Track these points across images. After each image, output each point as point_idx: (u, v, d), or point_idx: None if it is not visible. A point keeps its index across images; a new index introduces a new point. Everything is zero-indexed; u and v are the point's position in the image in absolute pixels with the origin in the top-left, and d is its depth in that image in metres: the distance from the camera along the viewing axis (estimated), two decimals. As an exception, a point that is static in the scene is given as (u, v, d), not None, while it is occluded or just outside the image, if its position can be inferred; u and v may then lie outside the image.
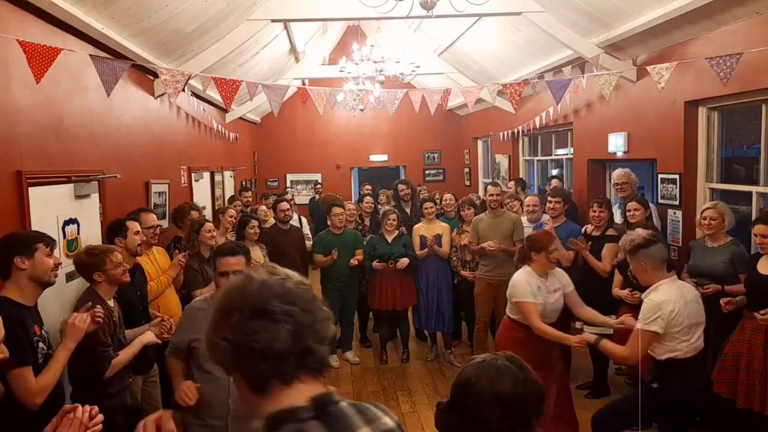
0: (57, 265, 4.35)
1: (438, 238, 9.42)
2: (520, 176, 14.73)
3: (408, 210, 11.30)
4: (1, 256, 4.17)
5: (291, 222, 9.81)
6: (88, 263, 5.03)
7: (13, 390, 3.82)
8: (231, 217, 8.78)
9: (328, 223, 10.10)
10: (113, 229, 6.03)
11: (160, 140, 9.49)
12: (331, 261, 9.31)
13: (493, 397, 2.55)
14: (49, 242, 4.35)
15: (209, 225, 7.66)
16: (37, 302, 4.34)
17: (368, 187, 13.70)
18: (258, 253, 8.38)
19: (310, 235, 11.25)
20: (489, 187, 9.27)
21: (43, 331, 4.20)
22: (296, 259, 9.30)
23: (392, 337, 10.29)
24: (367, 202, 11.36)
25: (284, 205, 9.57)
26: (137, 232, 6.05)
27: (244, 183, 16.03)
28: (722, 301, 6.09)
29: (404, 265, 9.16)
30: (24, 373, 3.84)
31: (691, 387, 5.22)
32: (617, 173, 8.45)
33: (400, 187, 11.75)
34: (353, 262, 9.30)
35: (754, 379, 5.82)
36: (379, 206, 11.99)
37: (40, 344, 4.06)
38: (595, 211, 8.04)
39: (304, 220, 11.86)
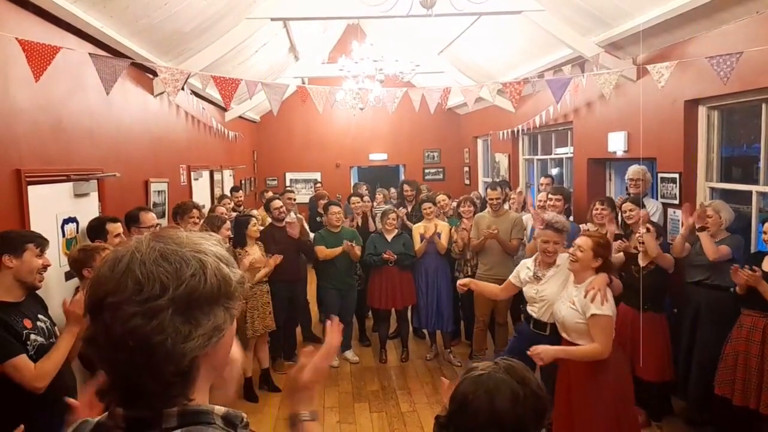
0: (45, 267, 4.37)
1: (438, 235, 9.44)
2: (520, 175, 14.84)
3: (410, 209, 11.30)
4: None
5: (287, 219, 9.77)
6: (78, 259, 5.09)
7: (14, 380, 3.91)
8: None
9: (318, 220, 10.14)
10: (93, 230, 5.94)
11: (160, 139, 9.50)
12: (336, 253, 9.29)
13: (490, 417, 2.50)
14: (41, 243, 4.36)
15: (228, 224, 7.68)
16: (32, 295, 4.40)
17: (365, 187, 13.70)
18: (257, 252, 8.39)
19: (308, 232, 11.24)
20: (489, 191, 9.29)
21: (38, 324, 4.26)
22: (294, 257, 9.30)
23: (396, 336, 10.34)
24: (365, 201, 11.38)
25: (277, 203, 9.51)
26: (117, 235, 5.89)
27: (243, 181, 16.05)
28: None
29: (391, 258, 9.22)
30: (15, 364, 3.92)
31: None
32: (632, 169, 8.38)
33: (406, 187, 11.82)
34: (347, 246, 9.21)
35: (751, 376, 5.87)
36: (375, 205, 12.02)
37: (32, 336, 4.11)
38: (597, 209, 8.01)
39: (302, 218, 11.77)
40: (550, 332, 5.99)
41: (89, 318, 1.50)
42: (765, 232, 5.97)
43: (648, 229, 6.83)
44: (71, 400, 2.61)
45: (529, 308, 6.31)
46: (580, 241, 5.64)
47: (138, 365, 1.43)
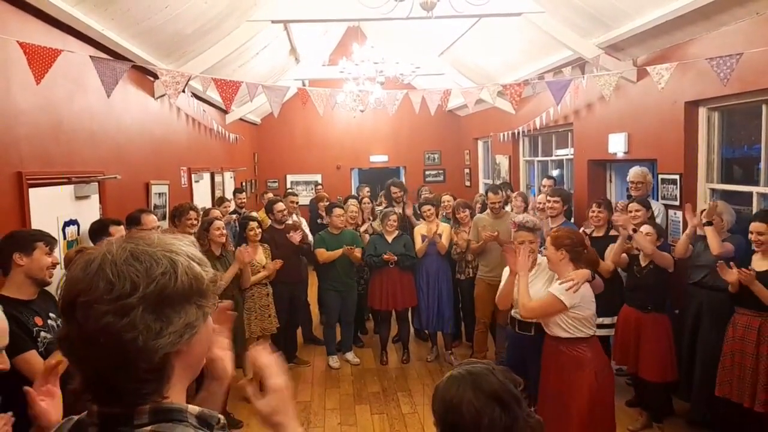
0: (54, 265, 4.43)
1: (438, 236, 9.41)
2: (521, 177, 14.86)
3: (399, 211, 11.26)
4: (1, 251, 4.28)
5: (287, 222, 9.75)
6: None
7: (24, 375, 3.89)
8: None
9: (318, 222, 10.14)
10: (96, 232, 5.92)
11: (160, 141, 9.51)
12: (336, 255, 9.30)
13: (487, 399, 2.55)
14: (50, 242, 4.44)
15: (219, 223, 7.66)
16: (45, 293, 4.46)
17: (367, 189, 13.72)
18: (260, 255, 8.40)
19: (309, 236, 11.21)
20: (490, 194, 9.29)
21: (49, 322, 4.30)
22: (295, 259, 9.33)
23: (398, 340, 10.34)
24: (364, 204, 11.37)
25: (280, 206, 9.52)
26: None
27: (244, 183, 16.04)
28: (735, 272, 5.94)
29: (391, 259, 9.23)
30: (25, 358, 3.95)
31: None
32: (634, 171, 8.39)
33: (393, 189, 11.75)
34: (348, 250, 9.23)
35: (745, 374, 5.91)
36: (378, 208, 11.99)
37: (42, 333, 4.16)
38: (593, 212, 7.99)
39: (303, 221, 11.73)
40: (535, 332, 6.10)
41: (63, 318, 1.55)
42: (752, 232, 6.02)
43: (635, 230, 6.86)
44: (28, 389, 2.65)
45: (513, 311, 6.38)
46: (546, 242, 5.87)
47: (110, 362, 1.47)
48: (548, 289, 5.58)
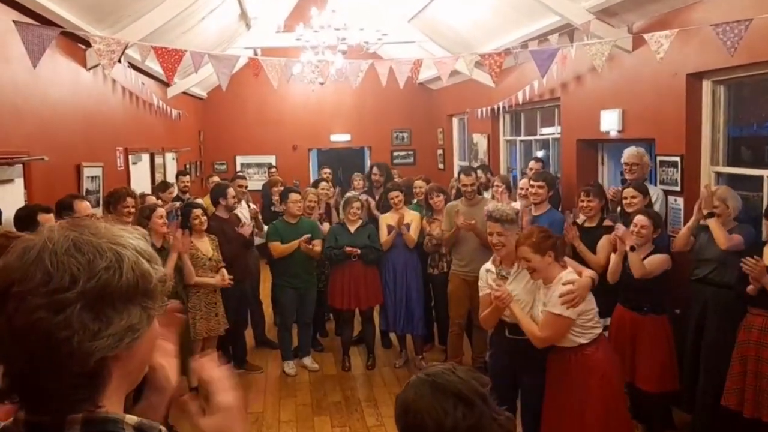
0: None
1: (406, 227, 9.41)
2: (501, 159, 14.87)
3: (377, 196, 11.26)
4: None
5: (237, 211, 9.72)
6: (2, 245, 5.01)
7: None
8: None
9: (272, 209, 10.13)
10: (22, 220, 5.86)
11: (93, 118, 9.40)
12: (293, 248, 9.22)
13: (447, 398, 2.56)
14: None
15: (161, 210, 7.60)
16: None
17: (327, 170, 13.74)
18: (207, 246, 8.35)
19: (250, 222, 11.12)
20: (462, 176, 9.29)
21: None
22: (242, 252, 9.34)
23: (360, 341, 10.33)
24: (322, 188, 11.32)
25: (233, 192, 9.48)
26: None
27: (188, 166, 15.94)
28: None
29: (354, 252, 9.21)
30: None
31: None
32: (628, 152, 8.38)
33: (374, 171, 11.80)
34: (303, 241, 9.11)
35: (763, 384, 5.83)
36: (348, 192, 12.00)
37: None
38: (583, 201, 7.99)
39: (254, 207, 11.62)
40: None
41: None
42: None
43: (633, 248, 6.78)
44: None
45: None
46: (522, 253, 5.71)
47: (39, 362, 1.45)
48: (546, 309, 5.51)
